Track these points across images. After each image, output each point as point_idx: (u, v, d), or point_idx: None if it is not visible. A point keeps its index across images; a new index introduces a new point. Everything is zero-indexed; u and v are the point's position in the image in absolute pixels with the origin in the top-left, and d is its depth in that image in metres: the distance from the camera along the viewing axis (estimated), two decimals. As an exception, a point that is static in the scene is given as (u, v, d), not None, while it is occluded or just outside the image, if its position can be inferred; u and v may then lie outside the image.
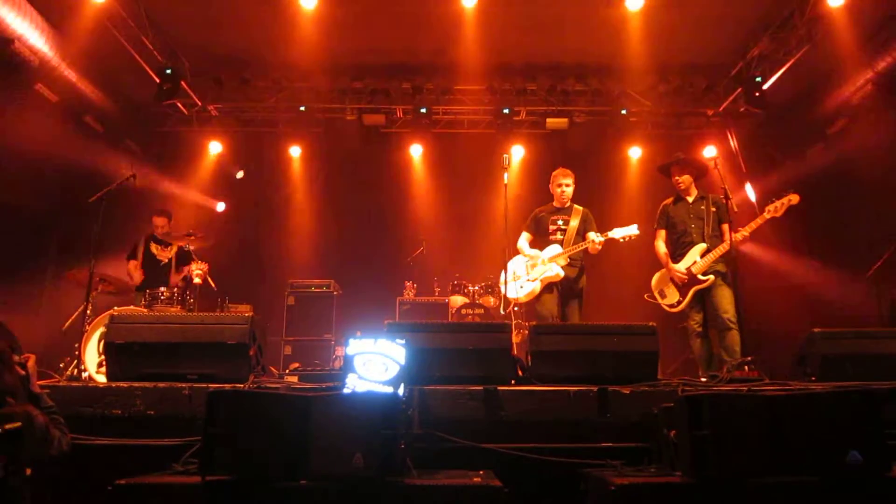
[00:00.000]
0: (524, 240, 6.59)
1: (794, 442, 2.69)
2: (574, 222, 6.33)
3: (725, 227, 5.79)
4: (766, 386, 3.76)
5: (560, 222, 6.36)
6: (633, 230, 6.03)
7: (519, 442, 3.47)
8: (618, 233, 6.08)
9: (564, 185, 6.43)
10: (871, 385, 3.38)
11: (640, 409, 3.53)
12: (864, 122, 7.95)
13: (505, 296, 6.31)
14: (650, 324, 4.05)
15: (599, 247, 6.05)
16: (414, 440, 3.26)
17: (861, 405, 2.74)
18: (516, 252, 6.55)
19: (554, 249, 6.24)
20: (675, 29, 8.23)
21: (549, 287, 6.17)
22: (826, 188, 8.42)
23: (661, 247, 6.11)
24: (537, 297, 6.22)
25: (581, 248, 6.17)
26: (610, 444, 3.50)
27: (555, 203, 6.53)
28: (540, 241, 6.49)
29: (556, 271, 6.13)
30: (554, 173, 6.58)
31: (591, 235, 6.12)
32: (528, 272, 6.36)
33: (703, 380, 4.47)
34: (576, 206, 6.48)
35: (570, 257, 6.20)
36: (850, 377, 3.89)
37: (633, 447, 3.44)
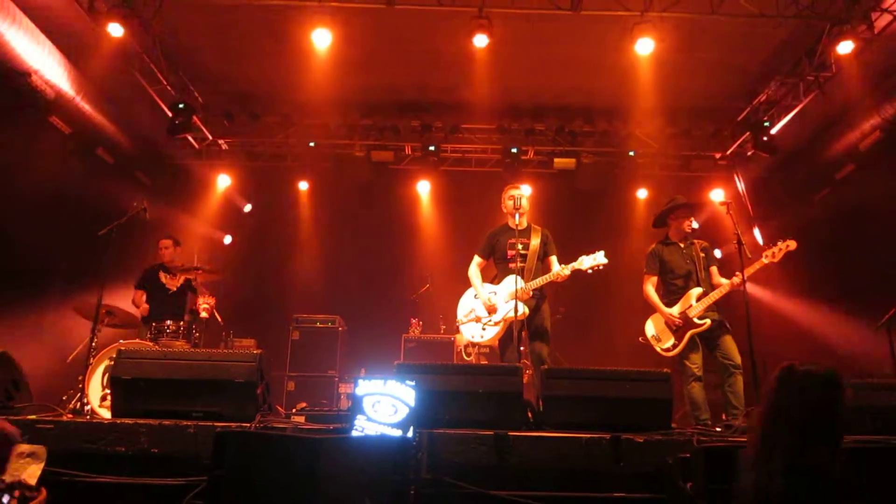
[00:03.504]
0: (476, 267, 6.01)
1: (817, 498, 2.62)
2: (534, 245, 5.77)
3: (714, 269, 5.83)
4: (782, 437, 3.68)
5: (519, 246, 5.68)
6: (600, 258, 5.58)
7: (530, 489, 3.40)
8: (585, 262, 5.57)
9: (517, 196, 5.77)
10: (892, 439, 3.31)
11: (653, 458, 3.46)
12: (872, 167, 7.98)
13: (461, 336, 6.04)
14: (664, 370, 4.00)
15: (563, 279, 5.64)
16: (422, 485, 3.20)
17: (885, 460, 2.68)
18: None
19: (514, 282, 5.50)
20: (684, 73, 8.32)
21: (510, 327, 5.51)
22: (834, 233, 8.41)
23: (652, 292, 5.93)
24: (500, 341, 5.75)
25: (545, 283, 5.64)
26: (623, 494, 3.42)
27: (510, 223, 5.85)
28: (495, 266, 5.95)
29: (520, 310, 5.44)
30: (504, 189, 6.00)
31: (556, 268, 5.67)
32: (489, 313, 5.83)
33: (718, 429, 4.40)
34: (534, 226, 5.93)
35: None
36: (869, 430, 3.81)
37: (647, 498, 3.37)
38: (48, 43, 6.87)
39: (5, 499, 2.47)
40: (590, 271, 5.60)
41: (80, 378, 5.85)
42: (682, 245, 5.93)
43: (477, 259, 6.04)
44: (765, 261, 5.47)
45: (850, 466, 2.70)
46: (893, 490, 2.60)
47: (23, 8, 6.39)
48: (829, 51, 7.42)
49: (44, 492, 2.66)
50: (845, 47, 7.16)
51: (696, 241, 5.95)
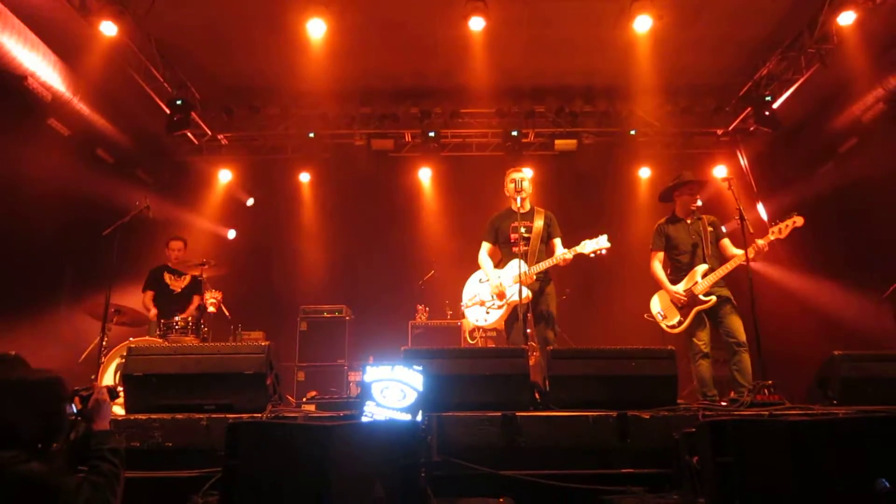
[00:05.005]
0: (485, 252, 6.02)
1: (820, 468, 2.64)
2: (537, 228, 5.79)
3: (726, 241, 5.79)
4: (787, 410, 3.72)
5: (522, 230, 5.66)
6: (603, 243, 5.59)
7: (538, 468, 3.44)
8: (588, 246, 5.59)
9: (518, 179, 5.78)
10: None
11: (660, 434, 3.50)
12: (876, 140, 7.92)
13: (466, 320, 6.07)
14: (668, 347, 4.02)
15: (566, 263, 5.64)
16: (433, 468, 3.24)
17: (888, 431, 2.69)
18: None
19: (518, 267, 5.52)
20: (684, 49, 8.28)
21: (515, 311, 5.52)
22: (839, 207, 8.38)
23: (658, 269, 5.92)
24: (506, 323, 5.78)
25: (548, 266, 5.65)
26: (631, 470, 3.46)
27: (513, 206, 5.83)
28: (500, 250, 5.99)
29: (524, 293, 5.40)
30: (507, 172, 6.05)
31: (560, 252, 5.67)
32: (494, 297, 5.82)
33: (724, 403, 4.42)
34: (537, 208, 5.95)
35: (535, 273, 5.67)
36: (873, 401, 3.83)
37: (654, 473, 3.40)
38: (42, 45, 6.87)
39: (69, 407, 2.55)
40: (592, 255, 5.62)
41: (92, 377, 5.92)
42: (688, 221, 5.92)
43: (485, 245, 6.05)
44: (772, 237, 5.44)
45: (859, 435, 2.71)
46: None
47: (13, 10, 6.39)
48: (831, 22, 7.33)
49: (95, 385, 2.74)
50: (847, 18, 7.08)
51: (703, 215, 5.92)
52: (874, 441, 2.67)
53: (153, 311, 7.16)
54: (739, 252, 5.53)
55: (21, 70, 6.67)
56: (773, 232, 5.45)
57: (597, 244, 5.60)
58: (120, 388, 3.62)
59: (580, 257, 5.66)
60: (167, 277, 7.38)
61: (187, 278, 7.41)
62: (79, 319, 6.92)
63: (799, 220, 5.45)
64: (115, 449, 2.56)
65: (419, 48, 8.47)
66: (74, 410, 2.64)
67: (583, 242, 5.64)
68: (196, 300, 7.28)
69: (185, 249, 7.56)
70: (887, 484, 2.55)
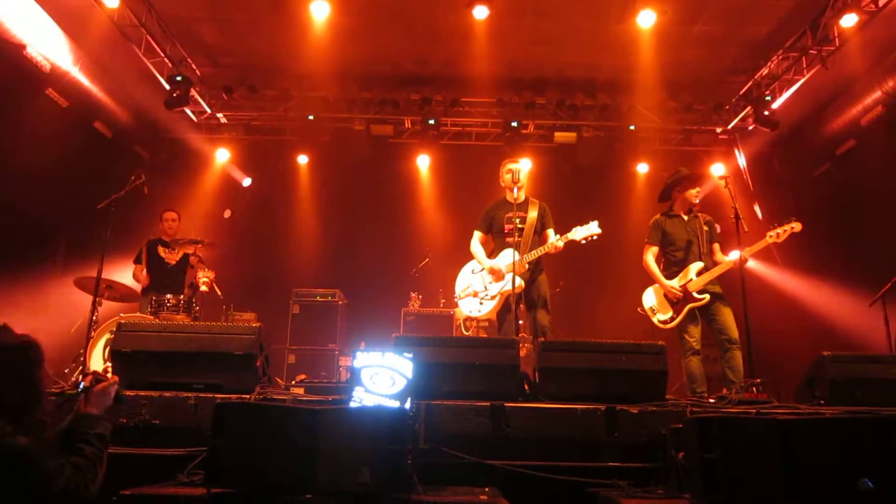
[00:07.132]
0: (477, 241, 6.03)
1: (805, 467, 2.67)
2: (531, 219, 5.77)
3: (716, 246, 5.83)
4: (775, 409, 3.73)
5: (517, 220, 5.64)
6: (593, 228, 5.60)
7: (525, 459, 3.45)
8: (579, 233, 5.59)
9: (515, 170, 5.77)
10: (882, 411, 3.35)
11: (647, 428, 3.51)
12: (873, 143, 7.93)
13: (460, 310, 6.08)
14: (659, 343, 4.03)
15: (557, 251, 5.65)
16: (420, 455, 3.24)
17: (873, 431, 2.71)
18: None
19: (511, 256, 5.48)
20: (686, 46, 8.27)
21: (508, 302, 5.51)
22: (834, 208, 8.40)
23: (652, 262, 5.92)
24: (498, 314, 5.80)
25: (541, 255, 5.64)
26: (617, 464, 3.47)
27: (507, 197, 5.84)
28: (493, 240, 6.00)
29: (517, 283, 5.41)
30: (503, 162, 6.05)
31: (551, 240, 5.66)
32: (487, 287, 5.82)
33: (711, 400, 4.44)
34: (531, 199, 5.95)
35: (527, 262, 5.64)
36: (860, 402, 3.86)
37: (640, 467, 3.42)
38: (42, 14, 6.81)
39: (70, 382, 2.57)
40: (584, 242, 5.63)
41: (81, 351, 5.90)
42: (685, 217, 5.94)
43: (477, 234, 6.06)
44: (769, 241, 5.47)
45: (845, 435, 2.73)
46: (881, 458, 2.64)
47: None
48: (833, 24, 7.35)
49: (115, 378, 2.74)
50: (849, 20, 7.10)
51: (700, 214, 5.95)
52: (859, 441, 2.69)
53: (144, 274, 7.13)
54: (726, 259, 5.61)
55: (19, 39, 6.60)
56: (770, 236, 5.47)
57: (587, 230, 5.61)
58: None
59: (573, 245, 5.66)
60: (161, 250, 7.35)
61: (181, 252, 7.39)
62: (71, 292, 6.89)
63: (797, 226, 5.47)
64: (102, 435, 2.54)
65: (422, 34, 8.42)
66: (81, 387, 2.67)
67: (573, 229, 5.65)
68: (191, 272, 7.25)
69: (179, 222, 7.54)
70: (870, 484, 2.57)
